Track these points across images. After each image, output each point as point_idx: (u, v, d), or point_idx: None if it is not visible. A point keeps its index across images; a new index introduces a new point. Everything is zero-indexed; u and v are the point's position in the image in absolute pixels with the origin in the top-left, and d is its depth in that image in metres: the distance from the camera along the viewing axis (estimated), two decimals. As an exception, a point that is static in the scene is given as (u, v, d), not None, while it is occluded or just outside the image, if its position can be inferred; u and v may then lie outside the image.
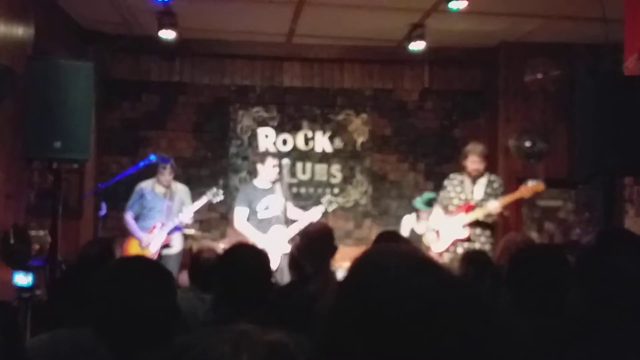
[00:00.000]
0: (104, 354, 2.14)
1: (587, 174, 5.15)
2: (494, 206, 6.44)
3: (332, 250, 4.08)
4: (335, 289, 1.20)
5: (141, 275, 2.22)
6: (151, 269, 2.29)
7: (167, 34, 7.56)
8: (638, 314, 1.99)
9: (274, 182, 7.09)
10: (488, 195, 6.58)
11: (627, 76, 5.45)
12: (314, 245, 3.99)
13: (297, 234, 5.61)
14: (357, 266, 1.13)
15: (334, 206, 7.32)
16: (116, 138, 8.81)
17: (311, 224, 5.33)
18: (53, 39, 7.06)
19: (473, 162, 6.63)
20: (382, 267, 1.08)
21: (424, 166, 9.12)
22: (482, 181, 6.67)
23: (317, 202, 8.62)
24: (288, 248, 6.69)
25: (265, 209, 7.03)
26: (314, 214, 7.04)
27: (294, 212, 7.10)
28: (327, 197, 7.43)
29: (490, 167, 8.53)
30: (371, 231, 8.95)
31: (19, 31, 5.94)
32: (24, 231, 5.52)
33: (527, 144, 8.43)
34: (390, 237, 4.52)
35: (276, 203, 7.01)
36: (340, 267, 6.95)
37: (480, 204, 6.54)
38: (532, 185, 6.56)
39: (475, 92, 9.13)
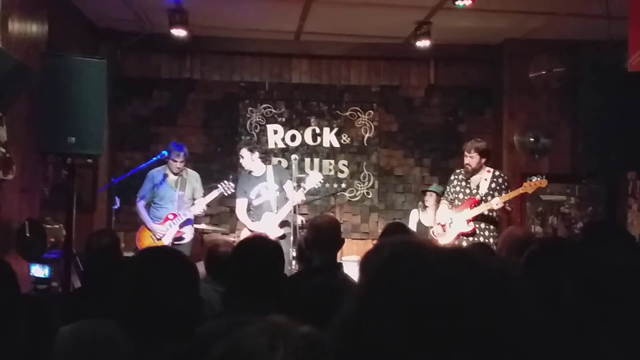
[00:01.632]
0: (128, 345, 2.13)
1: (591, 169, 5.21)
2: (496, 201, 6.51)
3: (339, 242, 4.11)
4: (357, 284, 1.20)
5: (167, 268, 2.18)
6: (177, 261, 2.25)
7: (178, 32, 7.62)
8: (630, 306, 2.02)
9: (264, 163, 7.41)
10: (493, 191, 6.65)
11: (630, 72, 5.49)
12: (322, 238, 3.97)
13: (306, 226, 5.70)
14: (386, 256, 1.08)
15: (318, 179, 7.40)
16: (128, 134, 8.90)
17: (320, 216, 5.37)
18: (66, 37, 7.12)
19: (464, 158, 6.76)
20: (413, 258, 1.04)
21: (430, 161, 9.17)
22: (487, 176, 6.75)
23: (325, 197, 8.78)
24: (280, 232, 6.89)
25: (257, 196, 7.23)
26: (301, 195, 7.19)
27: (290, 192, 7.21)
28: (313, 173, 7.55)
29: (495, 162, 8.62)
30: (378, 225, 9.03)
31: (33, 28, 5.98)
32: (39, 224, 5.55)
33: (531, 139, 8.48)
34: (398, 229, 4.56)
35: (267, 189, 7.21)
36: (347, 260, 7.11)
37: (484, 199, 6.62)
38: (535, 181, 6.63)
39: (481, 88, 9.16)
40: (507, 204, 6.58)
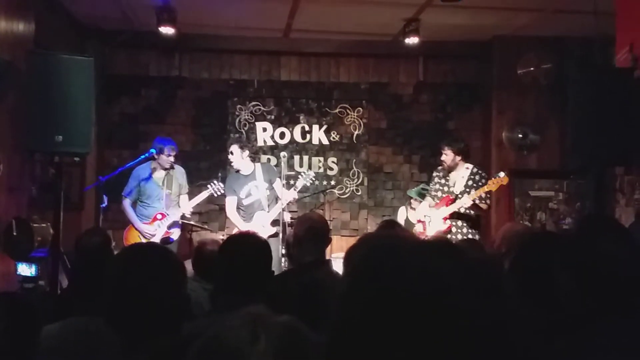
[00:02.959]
0: (114, 342, 2.12)
1: (579, 165, 5.23)
2: (465, 199, 6.59)
3: (328, 239, 4.12)
4: (341, 278, 1.20)
5: (154, 264, 2.16)
6: (164, 257, 2.23)
7: (166, 30, 7.59)
8: (629, 300, 2.00)
9: (252, 161, 7.39)
10: (470, 188, 6.71)
11: (618, 68, 5.51)
12: (313, 232, 3.99)
13: (295, 223, 5.70)
14: (370, 251, 1.10)
15: (310, 177, 7.46)
16: (116, 132, 8.86)
17: (307, 214, 5.38)
18: (52, 35, 7.08)
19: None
20: (396, 251, 1.06)
21: (419, 158, 9.17)
22: (464, 173, 6.81)
23: (314, 194, 8.78)
24: (272, 230, 6.90)
25: (247, 195, 7.24)
26: (293, 193, 7.29)
27: (280, 191, 7.25)
28: (304, 173, 7.57)
29: (484, 158, 8.65)
30: (367, 222, 9.04)
31: (20, 26, 5.94)
32: (26, 223, 5.53)
33: (520, 136, 8.49)
34: (392, 226, 4.59)
35: (257, 188, 7.21)
36: (336, 257, 7.13)
37: (460, 196, 6.69)
38: (497, 179, 6.69)
39: (469, 85, 9.16)
40: (481, 201, 6.62)
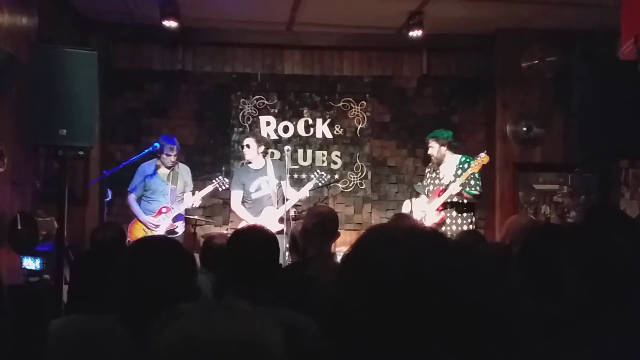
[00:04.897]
0: (118, 339, 2.11)
1: (583, 158, 5.23)
2: (453, 187, 6.62)
3: (335, 234, 4.14)
4: (339, 266, 1.22)
5: (164, 256, 2.16)
6: (174, 249, 2.23)
7: (169, 23, 7.59)
8: (636, 294, 1.98)
9: (264, 157, 7.37)
10: (458, 177, 6.75)
11: (622, 61, 5.51)
12: (323, 225, 4.00)
13: (303, 217, 5.71)
14: (366, 238, 1.13)
15: (324, 180, 7.46)
16: (120, 126, 8.84)
17: (318, 207, 5.39)
18: (56, 28, 7.07)
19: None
20: (389, 238, 1.08)
21: (423, 152, 9.13)
22: (453, 164, 6.85)
23: (318, 188, 8.76)
24: (280, 227, 6.90)
25: (257, 190, 7.23)
26: (304, 192, 7.30)
27: (289, 191, 7.28)
28: (317, 172, 7.57)
29: (489, 152, 8.62)
30: (371, 216, 9.04)
31: (23, 20, 5.93)
32: (31, 217, 5.54)
33: (524, 129, 8.47)
34: (403, 218, 4.62)
35: (267, 184, 7.20)
36: (340, 250, 7.13)
37: (449, 186, 6.74)
38: (477, 160, 6.74)
39: (473, 78, 9.12)
40: (471, 188, 6.68)
